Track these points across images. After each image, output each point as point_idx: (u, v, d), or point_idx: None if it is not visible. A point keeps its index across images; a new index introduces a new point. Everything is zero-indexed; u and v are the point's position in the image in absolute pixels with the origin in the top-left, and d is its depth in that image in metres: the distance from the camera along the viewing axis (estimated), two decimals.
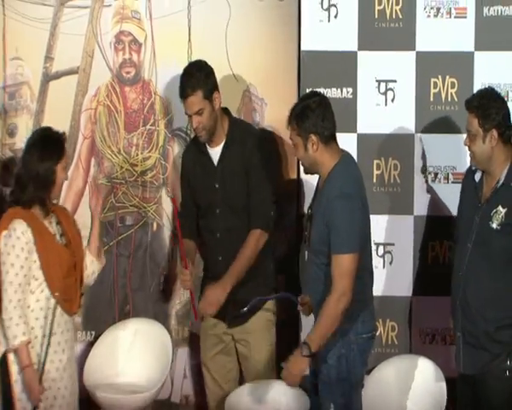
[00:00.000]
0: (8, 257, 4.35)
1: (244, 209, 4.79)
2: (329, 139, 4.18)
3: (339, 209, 4.17)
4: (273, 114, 5.09)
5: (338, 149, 4.24)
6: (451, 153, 4.95)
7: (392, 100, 4.97)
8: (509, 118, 4.39)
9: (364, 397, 4.42)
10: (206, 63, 4.73)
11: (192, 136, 5.01)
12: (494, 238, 4.33)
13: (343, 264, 4.14)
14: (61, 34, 5.11)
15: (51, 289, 4.43)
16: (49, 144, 4.42)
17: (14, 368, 4.45)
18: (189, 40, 5.07)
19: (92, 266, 4.68)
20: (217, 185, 4.73)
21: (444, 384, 4.69)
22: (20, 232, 4.33)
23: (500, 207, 4.35)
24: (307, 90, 4.88)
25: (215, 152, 4.72)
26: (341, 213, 4.18)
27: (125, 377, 5.08)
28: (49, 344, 4.49)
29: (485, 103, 4.30)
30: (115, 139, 5.22)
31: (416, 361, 4.85)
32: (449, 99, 4.97)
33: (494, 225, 4.32)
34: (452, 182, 4.99)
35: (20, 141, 4.94)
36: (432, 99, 4.96)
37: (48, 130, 4.55)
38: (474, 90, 4.80)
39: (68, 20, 5.12)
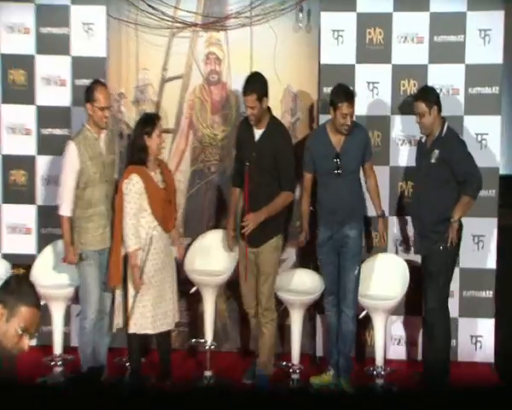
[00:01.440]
0: (128, 196, 5.41)
1: (267, 172, 5.72)
2: None
3: (368, 139, 5.87)
4: (301, 103, 6.33)
5: None
6: (412, 127, 5.97)
7: (377, 94, 6.21)
8: (439, 99, 5.67)
9: (363, 275, 5.89)
10: (262, 76, 5.64)
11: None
12: (432, 169, 5.66)
13: (372, 165, 5.85)
14: (172, 54, 6.30)
15: (155, 216, 5.47)
16: (147, 122, 5.51)
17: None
18: (251, 57, 6.24)
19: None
20: (254, 154, 5.74)
21: (407, 271, 6.00)
22: (135, 181, 5.39)
23: (436, 150, 5.65)
24: (325, 89, 6.08)
25: (258, 133, 5.74)
26: (369, 141, 5.88)
27: (208, 266, 6.14)
28: (148, 251, 5.46)
29: (426, 92, 5.74)
30: (205, 118, 6.38)
31: (390, 256, 6.22)
32: (411, 93, 6.14)
33: (432, 161, 5.67)
34: (413, 145, 6.15)
35: None
36: (401, 93, 6.19)
37: (146, 113, 5.68)
38: None
39: (176, 45, 6.32)
